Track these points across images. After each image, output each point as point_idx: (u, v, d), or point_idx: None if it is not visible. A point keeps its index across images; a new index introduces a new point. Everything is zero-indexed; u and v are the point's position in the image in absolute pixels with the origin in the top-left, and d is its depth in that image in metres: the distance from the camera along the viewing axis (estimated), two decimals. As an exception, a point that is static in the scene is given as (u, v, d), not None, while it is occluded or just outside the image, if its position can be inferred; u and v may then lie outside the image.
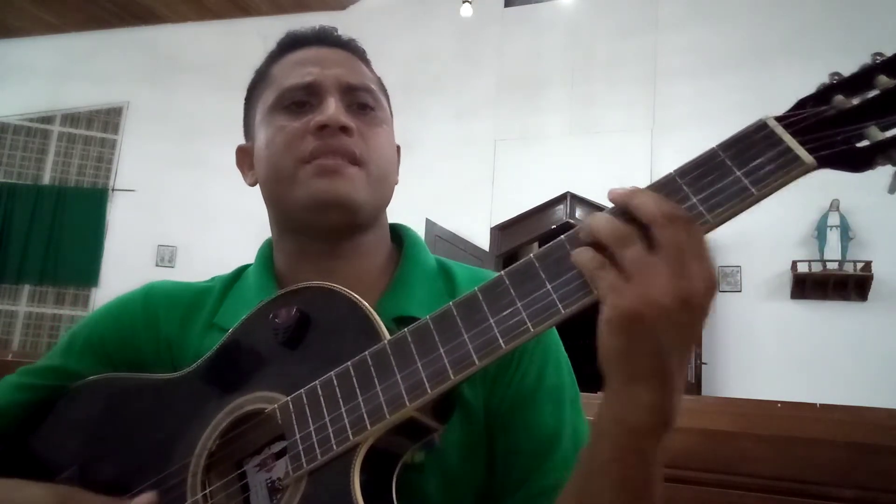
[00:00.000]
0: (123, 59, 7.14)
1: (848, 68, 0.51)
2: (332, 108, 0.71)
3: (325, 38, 0.79)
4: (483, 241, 6.60)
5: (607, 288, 0.48)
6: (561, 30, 6.80)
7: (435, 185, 6.11)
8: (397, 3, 7.30)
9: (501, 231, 6.66)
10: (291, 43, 0.79)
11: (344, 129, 0.70)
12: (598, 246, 0.50)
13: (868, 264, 5.23)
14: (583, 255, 0.51)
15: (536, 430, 0.70)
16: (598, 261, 0.49)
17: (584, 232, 0.52)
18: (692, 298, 0.47)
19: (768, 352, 5.31)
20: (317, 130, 0.70)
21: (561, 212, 6.41)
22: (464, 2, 6.51)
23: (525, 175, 6.55)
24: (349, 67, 0.76)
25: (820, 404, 2.85)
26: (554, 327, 0.57)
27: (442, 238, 5.98)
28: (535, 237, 6.77)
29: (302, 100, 0.73)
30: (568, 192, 6.32)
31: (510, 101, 6.79)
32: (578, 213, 6.34)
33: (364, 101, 0.75)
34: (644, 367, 0.49)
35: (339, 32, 0.80)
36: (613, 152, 6.21)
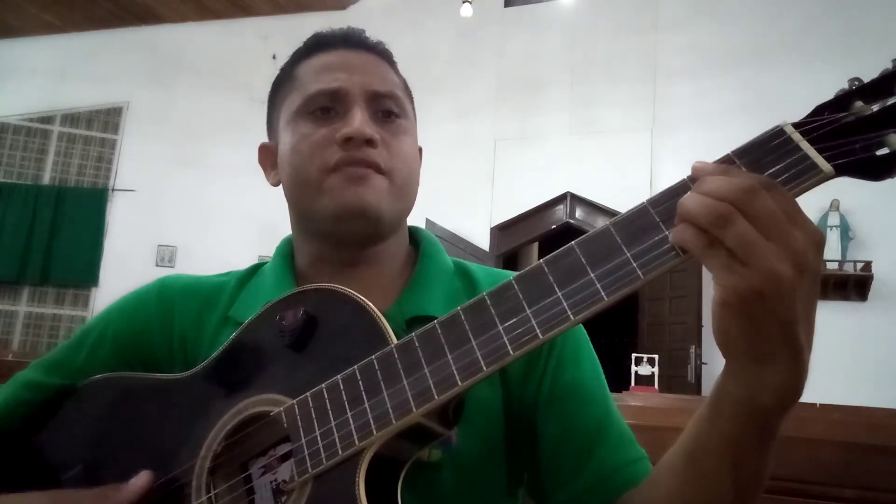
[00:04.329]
0: (123, 59, 7.14)
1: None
2: (358, 121, 0.70)
3: (351, 40, 0.78)
4: (483, 240, 6.60)
5: (721, 268, 0.46)
6: (561, 30, 6.80)
7: (435, 185, 6.09)
8: (397, 3, 7.30)
9: (501, 231, 6.66)
10: (318, 44, 0.78)
11: (369, 142, 0.70)
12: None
13: (868, 264, 5.23)
14: (684, 234, 0.47)
15: (590, 409, 0.70)
16: (705, 239, 0.46)
17: (680, 216, 0.47)
18: (806, 262, 0.45)
19: (768, 352, 5.30)
20: (343, 142, 0.70)
21: (561, 212, 6.42)
22: (464, 2, 6.52)
23: (525, 175, 6.56)
24: (375, 73, 0.75)
25: (820, 404, 2.84)
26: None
27: (442, 238, 5.93)
28: (534, 237, 6.78)
29: (327, 106, 0.72)
30: (568, 191, 6.33)
31: (510, 101, 6.79)
32: (578, 212, 6.34)
33: (389, 109, 0.75)
34: (772, 345, 0.47)
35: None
36: (613, 152, 6.22)
